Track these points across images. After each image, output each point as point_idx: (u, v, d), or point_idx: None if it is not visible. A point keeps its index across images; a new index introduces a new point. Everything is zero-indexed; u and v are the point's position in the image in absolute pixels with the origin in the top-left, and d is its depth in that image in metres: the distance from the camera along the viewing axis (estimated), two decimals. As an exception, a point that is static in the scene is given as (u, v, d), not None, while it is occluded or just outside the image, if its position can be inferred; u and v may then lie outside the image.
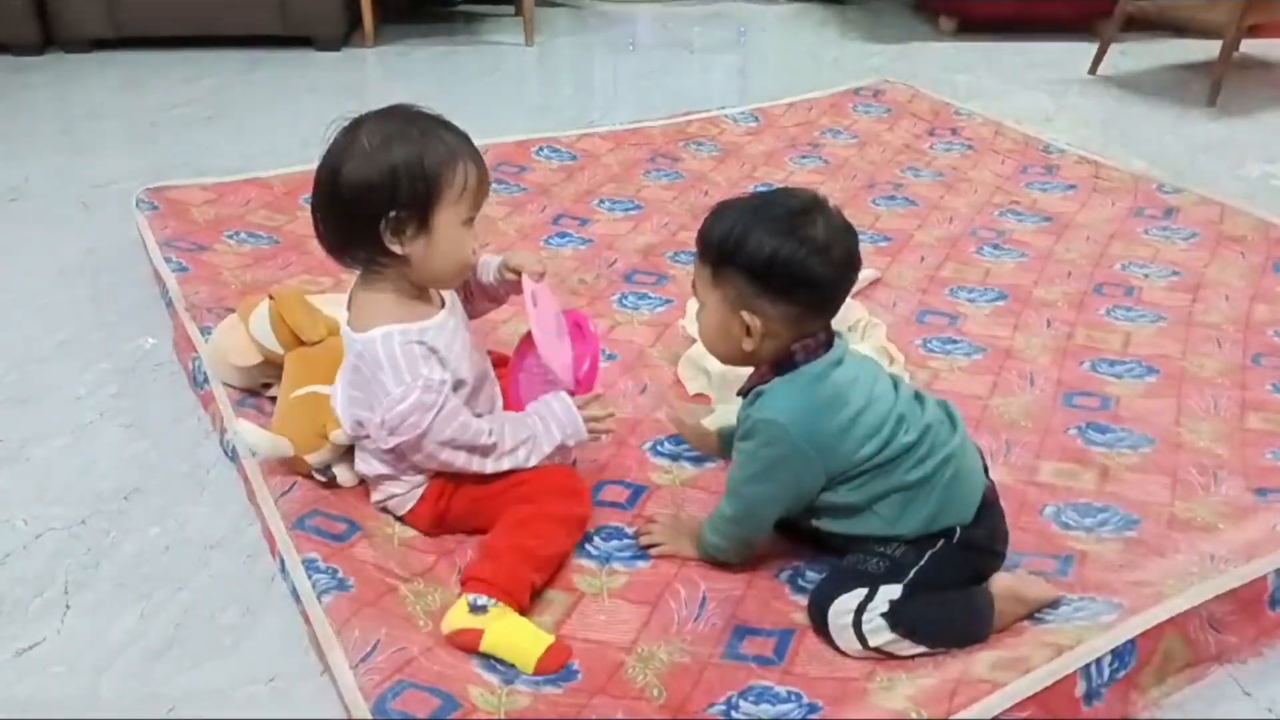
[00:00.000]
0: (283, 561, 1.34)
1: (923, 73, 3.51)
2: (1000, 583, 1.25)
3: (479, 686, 1.15)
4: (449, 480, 1.37)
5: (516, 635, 1.21)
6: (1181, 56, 3.88)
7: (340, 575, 1.28)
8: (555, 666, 1.19)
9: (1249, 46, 3.76)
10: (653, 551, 1.37)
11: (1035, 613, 1.25)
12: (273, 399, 1.61)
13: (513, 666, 1.19)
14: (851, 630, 1.21)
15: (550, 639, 1.21)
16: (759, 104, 3.13)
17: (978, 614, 1.23)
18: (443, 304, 1.38)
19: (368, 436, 1.36)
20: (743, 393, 1.30)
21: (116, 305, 2.05)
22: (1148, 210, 2.47)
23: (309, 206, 1.34)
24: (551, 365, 1.41)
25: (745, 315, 1.22)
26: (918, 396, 1.29)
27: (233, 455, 1.55)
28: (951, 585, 1.24)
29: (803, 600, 1.29)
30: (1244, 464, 1.55)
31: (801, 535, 1.35)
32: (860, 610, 1.21)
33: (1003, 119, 3.04)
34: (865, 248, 1.43)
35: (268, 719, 1.18)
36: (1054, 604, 1.25)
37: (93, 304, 2.06)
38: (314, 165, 2.59)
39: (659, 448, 1.60)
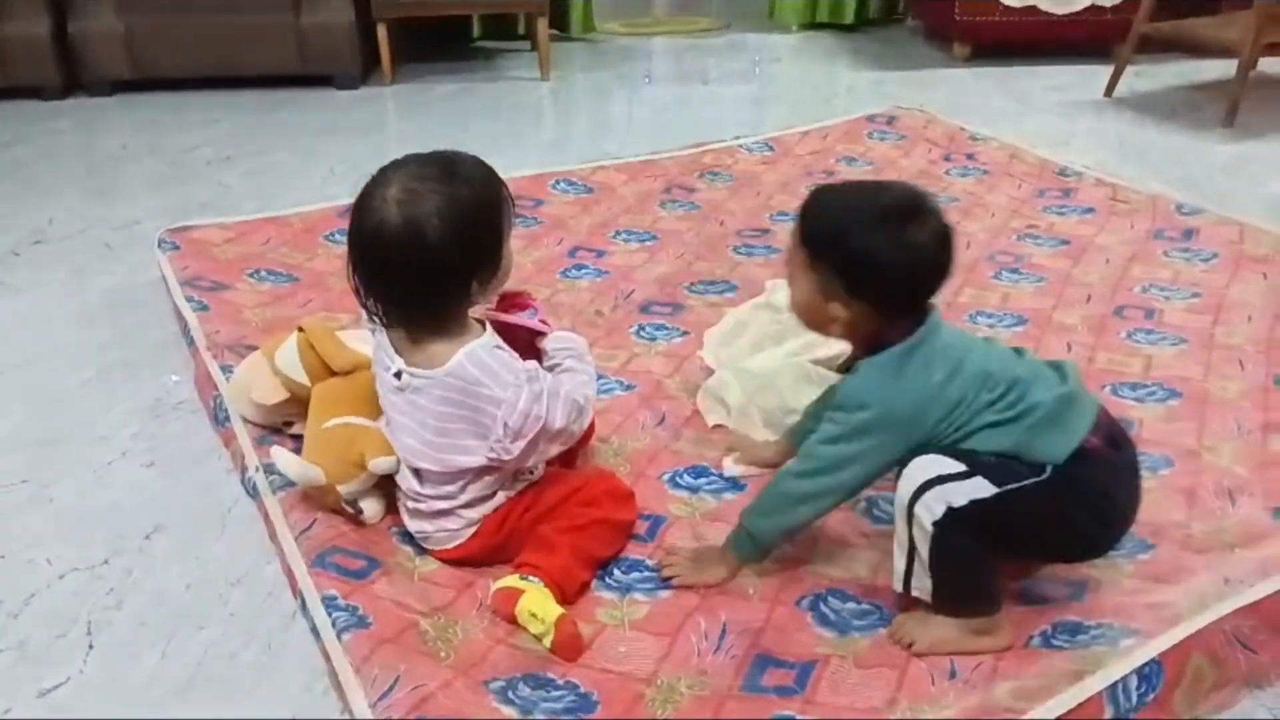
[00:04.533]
0: (303, 599, 1.34)
1: (937, 99, 3.52)
2: None
3: (499, 722, 1.15)
4: (513, 504, 1.39)
5: (548, 605, 1.26)
6: (1197, 77, 3.87)
7: (360, 612, 1.28)
8: (571, 634, 1.24)
9: (1265, 65, 3.75)
10: (675, 582, 1.37)
11: None
12: (294, 436, 1.62)
13: (537, 639, 1.26)
14: (914, 492, 1.20)
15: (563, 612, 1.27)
16: (773, 133, 3.14)
17: (995, 603, 1.24)
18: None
19: (457, 475, 1.36)
20: (841, 369, 1.35)
21: (139, 345, 2.07)
22: (1167, 232, 2.46)
23: (370, 288, 1.30)
24: (523, 321, 1.46)
25: (834, 307, 1.25)
26: (1017, 351, 1.30)
27: (253, 493, 1.56)
28: (1042, 526, 1.22)
29: (825, 632, 1.29)
30: (1264, 485, 1.53)
31: None
32: (939, 480, 1.19)
33: (1018, 143, 3.04)
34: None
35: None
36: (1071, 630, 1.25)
37: (115, 344, 2.08)
38: (334, 204, 2.61)
39: (677, 479, 1.59)
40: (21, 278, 2.39)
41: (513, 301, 1.48)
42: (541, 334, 1.46)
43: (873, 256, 1.22)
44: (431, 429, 1.34)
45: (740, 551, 1.37)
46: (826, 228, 1.25)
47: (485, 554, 1.40)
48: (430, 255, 1.24)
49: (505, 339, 1.39)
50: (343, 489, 1.44)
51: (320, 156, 3.18)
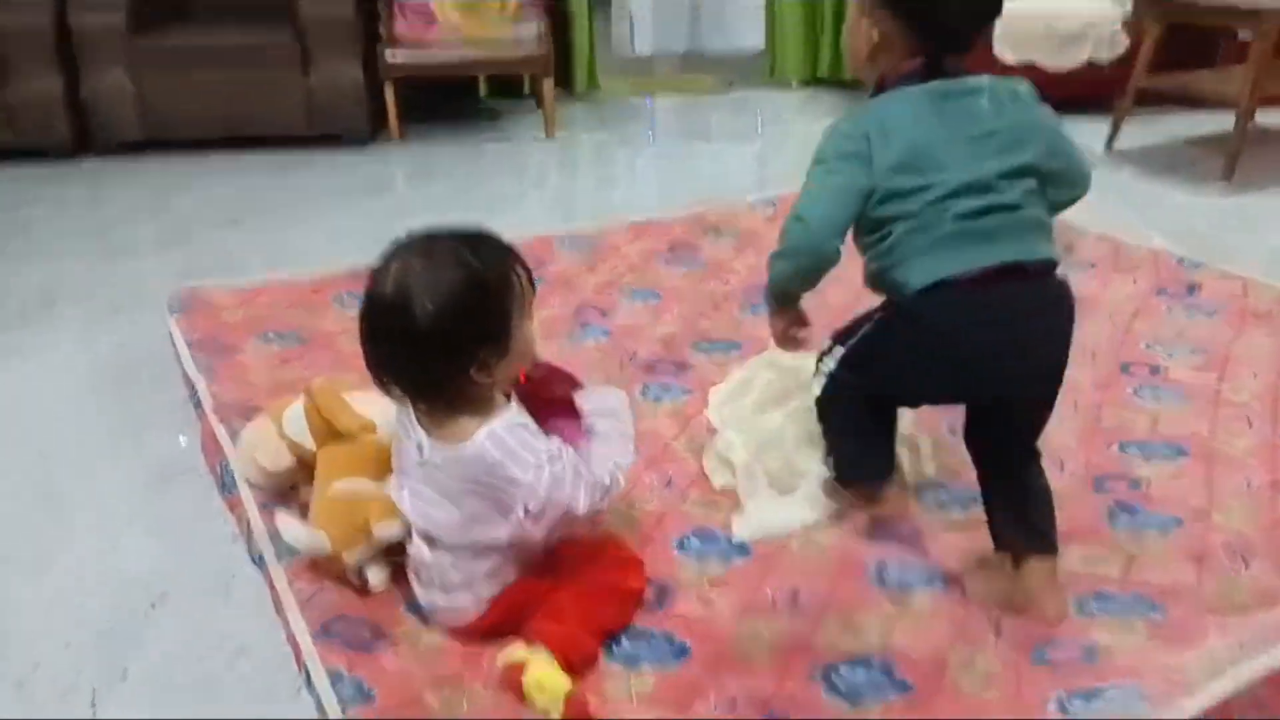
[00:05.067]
0: (308, 673, 1.33)
1: (939, 154, 3.53)
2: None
3: (506, 797, 1.13)
4: (523, 581, 1.38)
5: (555, 676, 1.25)
6: (1196, 129, 3.90)
7: (364, 686, 1.27)
8: (580, 706, 1.24)
9: (1264, 117, 3.77)
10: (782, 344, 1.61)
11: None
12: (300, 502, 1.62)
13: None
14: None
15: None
16: (777, 191, 3.16)
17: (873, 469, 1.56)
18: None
19: (474, 548, 1.35)
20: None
21: (146, 408, 2.08)
22: (1169, 288, 2.46)
23: (372, 360, 1.29)
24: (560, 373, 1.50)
25: (866, 23, 1.36)
26: (1002, 185, 1.32)
27: (259, 561, 1.56)
28: (891, 361, 1.42)
29: (836, 701, 1.28)
30: (1274, 545, 1.52)
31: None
32: (819, 359, 1.53)
33: (1020, 198, 3.04)
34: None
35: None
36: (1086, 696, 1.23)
37: (123, 407, 2.09)
38: (343, 265, 2.61)
39: (685, 544, 1.58)
40: (30, 339, 2.40)
41: (553, 374, 1.48)
42: (578, 386, 1.46)
43: None
44: (455, 503, 1.33)
45: (768, 302, 1.57)
46: None
47: (493, 628, 1.38)
48: (417, 334, 1.23)
49: (539, 395, 1.41)
50: (348, 556, 1.43)
51: (329, 217, 3.20)
